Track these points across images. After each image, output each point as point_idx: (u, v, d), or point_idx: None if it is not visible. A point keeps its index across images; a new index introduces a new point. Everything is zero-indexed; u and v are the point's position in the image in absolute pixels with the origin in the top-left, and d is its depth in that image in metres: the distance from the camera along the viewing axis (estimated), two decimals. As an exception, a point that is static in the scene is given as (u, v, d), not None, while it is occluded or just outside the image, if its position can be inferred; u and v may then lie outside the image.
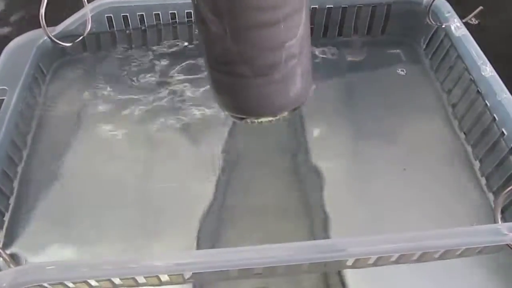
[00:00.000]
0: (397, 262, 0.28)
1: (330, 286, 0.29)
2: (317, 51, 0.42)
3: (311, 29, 0.41)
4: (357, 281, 0.29)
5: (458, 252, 0.28)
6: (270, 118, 0.32)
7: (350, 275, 0.29)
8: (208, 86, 0.39)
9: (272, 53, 0.29)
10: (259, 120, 0.33)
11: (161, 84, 0.40)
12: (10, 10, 0.49)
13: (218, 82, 0.32)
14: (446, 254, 0.28)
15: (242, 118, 0.33)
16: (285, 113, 0.33)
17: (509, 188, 0.27)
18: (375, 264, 0.28)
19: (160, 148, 0.36)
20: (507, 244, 0.26)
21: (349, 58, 0.42)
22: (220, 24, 0.28)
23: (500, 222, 0.27)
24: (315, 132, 0.37)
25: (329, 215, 0.32)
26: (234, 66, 0.30)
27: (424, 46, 0.42)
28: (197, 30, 0.32)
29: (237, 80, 0.31)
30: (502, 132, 0.32)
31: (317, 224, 0.32)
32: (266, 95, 0.31)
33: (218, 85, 0.32)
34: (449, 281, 0.29)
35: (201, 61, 0.40)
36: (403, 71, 0.40)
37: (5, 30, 0.47)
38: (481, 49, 0.36)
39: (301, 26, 0.29)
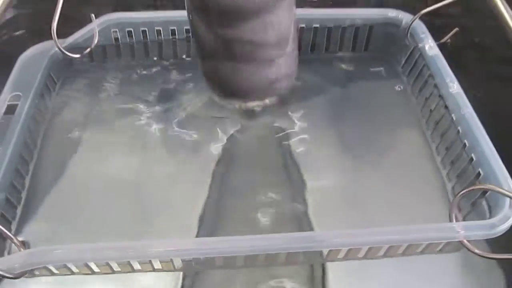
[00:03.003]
0: (365, 256, 0.32)
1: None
2: (305, 66, 0.46)
3: (299, 45, 0.45)
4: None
5: (419, 249, 0.32)
6: (258, 103, 0.36)
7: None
8: (205, 95, 0.43)
9: (260, 46, 0.33)
10: (249, 105, 0.37)
11: (161, 92, 0.43)
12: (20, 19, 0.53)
13: (210, 71, 0.35)
14: (408, 250, 0.31)
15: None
16: (273, 99, 0.36)
17: (461, 192, 0.30)
18: (346, 257, 0.32)
19: (159, 152, 0.39)
20: (460, 242, 0.30)
21: (335, 73, 0.46)
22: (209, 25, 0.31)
23: (454, 222, 0.30)
24: (302, 142, 0.41)
25: (314, 222, 0.35)
26: (223, 58, 0.33)
27: (402, 64, 0.45)
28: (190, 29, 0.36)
29: (226, 68, 0.34)
30: (465, 143, 0.35)
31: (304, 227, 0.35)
32: (253, 81, 0.35)
33: (210, 73, 0.35)
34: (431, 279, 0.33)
35: (198, 73, 0.44)
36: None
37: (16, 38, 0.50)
38: (455, 67, 0.40)
39: (285, 21, 0.33)
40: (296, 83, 0.43)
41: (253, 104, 0.38)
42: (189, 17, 0.36)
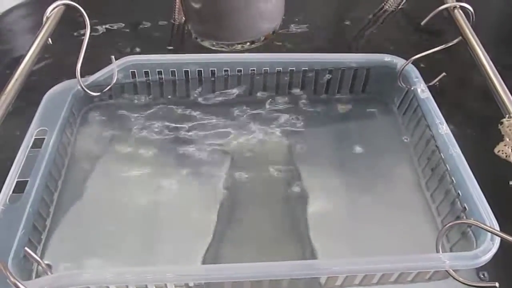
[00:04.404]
0: (361, 284, 0.35)
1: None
2: (307, 106, 0.50)
3: (303, 87, 0.49)
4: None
5: (410, 278, 0.35)
6: (247, 42, 0.39)
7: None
8: (211, 130, 0.47)
9: None
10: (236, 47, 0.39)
11: (174, 128, 0.47)
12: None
13: (198, 14, 0.37)
14: (400, 278, 0.35)
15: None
16: (261, 38, 0.38)
17: (446, 226, 0.33)
18: (343, 284, 0.35)
19: (170, 180, 0.43)
20: (446, 271, 0.33)
21: (334, 113, 0.50)
22: None
23: (441, 252, 0.33)
24: (305, 171, 0.44)
25: (315, 246, 0.39)
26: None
27: (397, 105, 0.49)
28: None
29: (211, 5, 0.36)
30: (452, 180, 0.39)
31: (306, 253, 0.38)
32: (242, 21, 0.37)
33: (198, 17, 0.38)
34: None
35: (207, 109, 0.48)
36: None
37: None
38: (444, 108, 0.44)
39: None
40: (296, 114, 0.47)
41: (239, 46, 0.40)
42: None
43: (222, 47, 0.40)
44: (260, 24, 0.39)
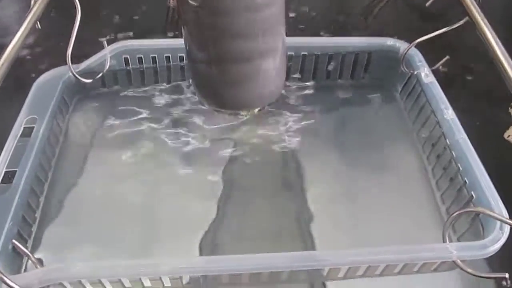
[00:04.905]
0: (364, 275, 0.34)
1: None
2: (307, 91, 0.48)
3: (301, 72, 0.48)
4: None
5: (416, 268, 0.33)
6: (245, 112, 0.38)
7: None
8: (208, 113, 0.45)
9: (249, 62, 0.35)
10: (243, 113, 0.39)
11: (168, 115, 0.46)
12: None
13: (201, 79, 0.37)
14: (405, 269, 0.33)
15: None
16: (262, 108, 0.38)
17: (454, 214, 0.32)
18: (345, 275, 0.33)
19: (165, 172, 0.41)
20: (453, 261, 0.32)
21: (335, 99, 0.48)
22: (202, 22, 0.33)
23: (448, 242, 0.32)
24: (306, 160, 0.43)
25: (316, 236, 0.37)
26: (214, 67, 0.36)
27: (400, 90, 0.47)
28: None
29: (216, 76, 0.36)
30: (459, 167, 0.37)
31: (307, 243, 0.37)
32: (243, 90, 0.37)
33: (200, 82, 0.38)
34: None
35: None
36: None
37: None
38: (450, 93, 0.42)
39: (276, 27, 0.35)
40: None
41: (243, 113, 0.40)
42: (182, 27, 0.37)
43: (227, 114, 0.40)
44: (267, 93, 0.39)
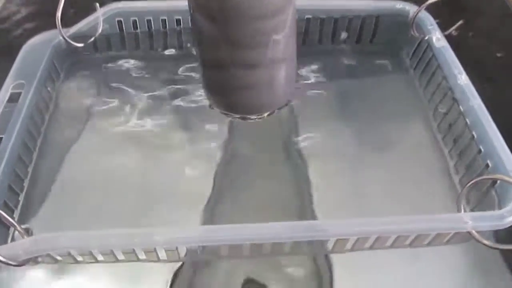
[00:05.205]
0: (372, 247, 0.31)
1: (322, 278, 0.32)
2: (311, 58, 0.46)
3: (305, 37, 0.45)
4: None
5: (427, 240, 0.31)
6: (255, 116, 0.37)
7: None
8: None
9: (259, 68, 0.34)
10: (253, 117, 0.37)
11: (164, 83, 0.43)
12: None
13: (211, 82, 0.36)
14: (416, 241, 0.31)
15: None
16: (272, 112, 0.37)
17: (470, 182, 0.30)
18: (353, 247, 0.31)
19: (161, 141, 0.39)
20: (468, 232, 0.30)
21: (340, 65, 0.46)
22: (213, 30, 0.31)
23: (463, 212, 0.30)
24: (307, 134, 0.40)
25: (319, 215, 0.35)
26: (225, 70, 0.34)
27: (410, 56, 0.45)
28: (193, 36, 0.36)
29: (227, 81, 0.35)
30: (473, 135, 0.35)
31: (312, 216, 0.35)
32: (253, 95, 0.35)
33: (211, 85, 0.36)
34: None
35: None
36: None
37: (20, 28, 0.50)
38: (461, 58, 0.39)
39: (287, 34, 0.33)
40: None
41: (252, 117, 0.39)
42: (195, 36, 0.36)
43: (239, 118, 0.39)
44: (277, 98, 0.38)
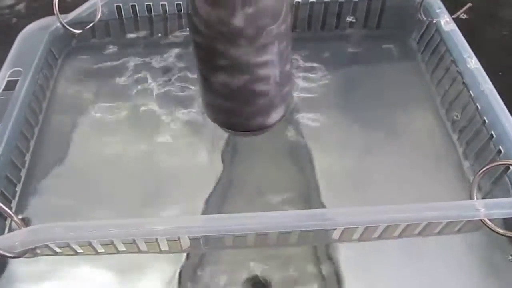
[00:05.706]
0: (381, 237, 0.30)
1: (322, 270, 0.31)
2: (314, 43, 0.44)
3: (309, 21, 0.44)
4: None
5: (438, 229, 0.30)
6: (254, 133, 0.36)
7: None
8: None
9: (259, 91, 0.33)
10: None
11: (165, 69, 0.42)
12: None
13: (211, 102, 0.35)
14: (426, 230, 0.30)
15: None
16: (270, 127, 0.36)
17: (484, 169, 0.28)
18: (360, 238, 0.30)
19: (163, 129, 0.38)
20: (481, 220, 0.29)
21: (346, 51, 0.44)
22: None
23: (475, 199, 0.29)
24: (313, 122, 0.39)
25: (326, 203, 0.34)
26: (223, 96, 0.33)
27: (417, 40, 0.44)
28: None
29: (226, 107, 0.34)
30: (484, 120, 0.34)
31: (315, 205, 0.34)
32: (251, 119, 0.35)
33: (210, 104, 0.35)
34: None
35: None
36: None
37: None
38: (470, 42, 0.38)
39: (281, 55, 0.32)
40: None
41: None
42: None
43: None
44: (276, 114, 0.36)
